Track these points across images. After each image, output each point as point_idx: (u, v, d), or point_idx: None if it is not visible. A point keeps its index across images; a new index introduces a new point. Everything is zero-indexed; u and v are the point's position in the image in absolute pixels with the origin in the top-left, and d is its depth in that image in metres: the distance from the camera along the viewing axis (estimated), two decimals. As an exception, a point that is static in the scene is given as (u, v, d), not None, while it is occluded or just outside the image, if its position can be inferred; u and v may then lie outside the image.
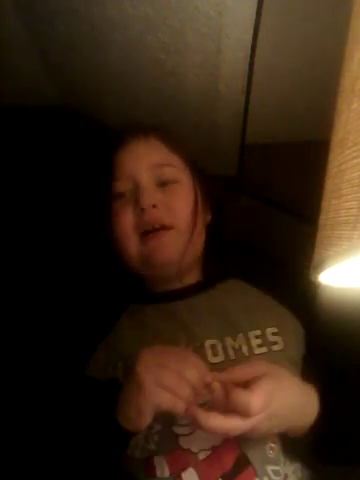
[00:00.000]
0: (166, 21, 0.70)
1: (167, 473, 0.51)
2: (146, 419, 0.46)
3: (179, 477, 0.51)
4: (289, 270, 0.65)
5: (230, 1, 0.64)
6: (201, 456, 0.52)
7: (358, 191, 0.27)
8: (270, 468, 0.52)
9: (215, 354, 0.58)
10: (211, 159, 0.97)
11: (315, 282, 0.36)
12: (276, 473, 0.52)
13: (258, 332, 0.59)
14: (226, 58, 0.76)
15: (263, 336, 0.59)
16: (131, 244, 0.63)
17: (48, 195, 1.00)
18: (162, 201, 0.63)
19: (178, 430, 0.53)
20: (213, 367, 0.54)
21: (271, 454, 0.53)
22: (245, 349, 0.58)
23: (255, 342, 0.58)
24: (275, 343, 0.58)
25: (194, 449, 0.52)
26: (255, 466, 0.51)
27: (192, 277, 0.69)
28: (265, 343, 0.58)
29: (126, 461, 0.54)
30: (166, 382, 0.44)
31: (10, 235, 0.94)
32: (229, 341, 0.59)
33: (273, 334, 0.59)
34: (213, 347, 0.58)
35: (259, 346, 0.58)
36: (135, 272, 0.67)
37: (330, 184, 0.33)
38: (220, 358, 0.57)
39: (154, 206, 0.62)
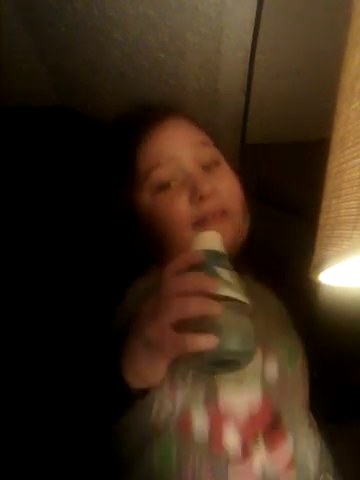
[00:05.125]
0: (166, 21, 0.70)
1: (206, 427, 0.48)
2: (162, 368, 0.42)
3: (220, 431, 0.48)
4: (289, 271, 0.65)
5: (230, 1, 0.64)
6: (241, 413, 0.49)
7: (358, 191, 0.27)
8: (300, 427, 0.52)
9: None
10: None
11: (315, 282, 0.36)
12: (305, 434, 0.52)
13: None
14: (226, 58, 0.76)
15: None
16: (188, 238, 0.54)
17: (48, 195, 1.00)
18: (215, 185, 0.57)
19: (220, 388, 0.50)
20: None
21: (300, 412, 0.54)
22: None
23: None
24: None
25: (234, 405, 0.49)
26: (284, 424, 0.50)
27: None
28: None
29: (146, 427, 0.49)
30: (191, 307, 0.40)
31: (10, 234, 0.94)
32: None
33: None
34: None
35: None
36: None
37: (330, 184, 0.33)
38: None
39: (213, 192, 0.56)
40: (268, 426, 0.49)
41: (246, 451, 0.47)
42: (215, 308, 0.40)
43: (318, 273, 0.34)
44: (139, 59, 0.81)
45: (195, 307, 0.40)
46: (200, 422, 0.48)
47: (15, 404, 0.48)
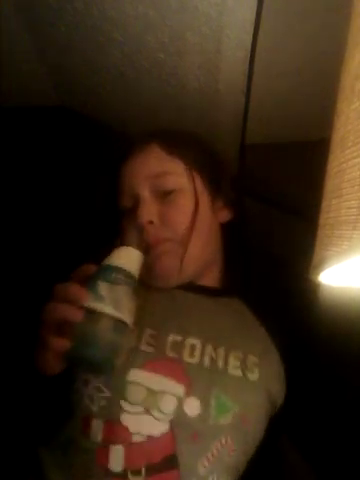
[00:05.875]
0: (166, 21, 0.70)
1: (99, 439, 0.52)
2: (51, 361, 0.47)
3: (107, 448, 0.51)
4: (289, 271, 0.65)
5: (230, 1, 0.64)
6: (135, 438, 0.52)
7: (358, 191, 0.27)
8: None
9: (191, 355, 0.57)
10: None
11: (315, 282, 0.36)
12: None
13: (240, 355, 0.58)
14: (226, 58, 0.76)
15: (243, 361, 0.58)
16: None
17: (48, 194, 1.00)
18: (160, 214, 0.62)
19: (125, 406, 0.53)
20: (186, 366, 0.56)
21: (204, 466, 0.52)
22: (221, 363, 0.57)
23: (233, 362, 0.58)
24: (252, 372, 0.58)
25: (131, 429, 0.52)
26: (181, 472, 0.51)
27: (208, 280, 0.67)
28: (242, 367, 0.57)
29: (66, 419, 0.54)
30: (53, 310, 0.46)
31: (10, 234, 0.93)
32: (209, 348, 0.58)
33: (253, 364, 0.58)
34: (192, 347, 0.58)
35: (235, 367, 0.57)
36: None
37: (330, 184, 0.33)
38: (195, 360, 0.57)
39: (151, 222, 0.61)
40: (159, 463, 0.51)
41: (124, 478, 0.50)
42: (75, 316, 0.45)
43: (318, 273, 0.33)
44: (139, 59, 0.81)
45: (59, 313, 0.45)
46: (95, 433, 0.52)
47: None
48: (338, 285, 0.38)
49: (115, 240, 0.66)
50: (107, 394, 0.53)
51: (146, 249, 0.60)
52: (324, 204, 0.34)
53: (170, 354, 0.56)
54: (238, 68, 0.78)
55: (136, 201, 0.64)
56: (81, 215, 0.97)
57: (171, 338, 0.58)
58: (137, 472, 0.50)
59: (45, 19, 0.77)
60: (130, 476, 0.50)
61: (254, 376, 0.57)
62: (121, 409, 0.52)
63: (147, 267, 0.59)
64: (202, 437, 0.53)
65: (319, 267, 0.32)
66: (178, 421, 0.53)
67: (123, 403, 0.53)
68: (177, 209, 0.63)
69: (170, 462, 0.51)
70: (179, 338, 0.58)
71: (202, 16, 0.68)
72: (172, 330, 0.59)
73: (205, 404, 0.54)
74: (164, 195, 0.63)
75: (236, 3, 0.65)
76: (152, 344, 0.57)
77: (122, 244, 0.57)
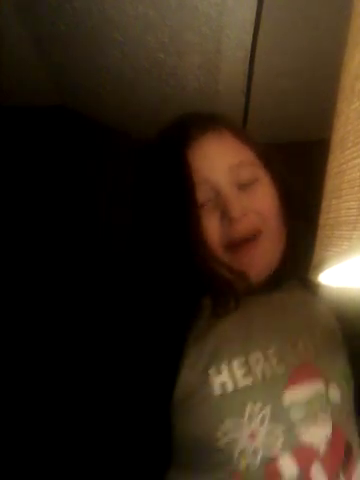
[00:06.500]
0: (166, 21, 0.70)
1: (296, 471, 0.48)
2: None
3: (308, 472, 0.48)
4: (289, 270, 0.65)
5: (230, 1, 0.64)
6: (322, 448, 0.50)
7: (358, 191, 0.27)
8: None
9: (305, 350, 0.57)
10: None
11: (315, 282, 0.36)
12: None
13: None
14: (226, 58, 0.76)
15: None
16: (220, 258, 0.56)
17: (48, 194, 1.00)
18: (248, 206, 0.58)
19: (298, 427, 0.51)
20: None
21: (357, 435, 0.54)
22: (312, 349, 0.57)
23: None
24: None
25: (315, 442, 0.50)
26: (354, 454, 0.52)
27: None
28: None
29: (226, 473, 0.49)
30: None
31: (10, 233, 0.94)
32: (303, 341, 0.57)
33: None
34: (302, 346, 0.56)
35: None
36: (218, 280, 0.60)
37: (330, 184, 0.33)
38: (309, 354, 0.56)
39: (245, 214, 0.57)
40: (343, 458, 0.51)
41: None
42: None
43: (318, 273, 0.33)
44: (139, 59, 0.81)
45: None
46: (290, 467, 0.48)
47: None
48: (338, 286, 0.38)
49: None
50: (282, 428, 0.50)
51: (230, 244, 0.57)
52: (324, 204, 0.34)
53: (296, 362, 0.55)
54: (238, 68, 0.78)
55: (217, 194, 0.58)
56: (80, 214, 0.97)
57: (283, 347, 0.56)
58: (337, 476, 0.50)
59: (45, 19, 0.77)
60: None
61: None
62: (297, 432, 0.50)
63: (239, 268, 0.57)
64: (350, 414, 0.54)
65: (319, 267, 0.32)
66: (334, 411, 0.52)
67: (296, 425, 0.51)
68: (263, 198, 0.60)
69: (348, 447, 0.52)
70: (288, 345, 0.56)
71: (202, 16, 0.68)
72: (276, 340, 0.57)
73: (339, 386, 0.54)
74: (244, 186, 0.59)
75: (236, 3, 0.65)
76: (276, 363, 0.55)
77: (202, 239, 0.54)
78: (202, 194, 0.58)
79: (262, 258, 0.57)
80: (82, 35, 0.78)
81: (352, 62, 0.31)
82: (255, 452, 0.49)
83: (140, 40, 0.75)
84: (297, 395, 0.52)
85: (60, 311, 0.75)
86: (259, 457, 0.48)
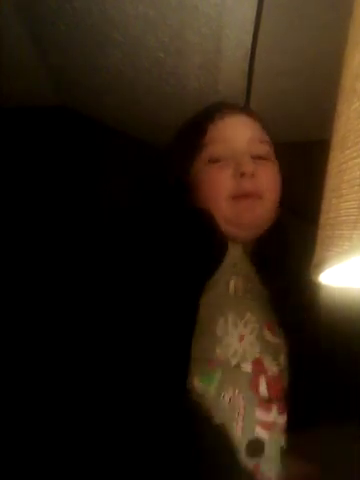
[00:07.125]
0: (166, 21, 0.70)
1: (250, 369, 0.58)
2: None
3: (257, 378, 0.58)
4: (289, 270, 0.65)
5: (230, 1, 0.64)
6: (272, 371, 0.60)
7: (358, 191, 0.27)
8: None
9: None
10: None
11: (315, 282, 0.36)
12: None
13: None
14: (226, 58, 0.76)
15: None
16: (223, 206, 0.63)
17: (49, 194, 1.00)
18: (257, 172, 0.64)
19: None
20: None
21: None
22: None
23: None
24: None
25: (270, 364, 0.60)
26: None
27: None
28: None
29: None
30: None
31: (9, 233, 0.94)
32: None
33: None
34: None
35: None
36: (216, 234, 0.64)
37: (330, 184, 0.33)
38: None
39: (253, 175, 0.63)
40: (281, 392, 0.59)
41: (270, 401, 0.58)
42: None
43: (318, 273, 0.33)
44: (139, 59, 0.81)
45: None
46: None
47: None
48: (338, 285, 0.38)
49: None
50: None
51: (241, 197, 0.63)
52: (324, 204, 0.34)
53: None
54: (238, 68, 0.78)
55: (234, 153, 0.64)
56: (80, 214, 0.97)
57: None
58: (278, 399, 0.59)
59: (45, 19, 0.77)
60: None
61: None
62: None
63: (235, 214, 0.63)
64: None
65: (319, 267, 0.32)
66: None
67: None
68: (270, 174, 0.67)
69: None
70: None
71: (202, 16, 0.68)
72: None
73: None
74: (258, 159, 0.66)
75: (236, 3, 0.65)
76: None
77: (212, 191, 0.63)
78: (220, 150, 0.65)
79: (258, 217, 0.64)
80: (82, 35, 0.78)
81: (352, 62, 0.31)
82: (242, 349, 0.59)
83: (140, 40, 0.75)
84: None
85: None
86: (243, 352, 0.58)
